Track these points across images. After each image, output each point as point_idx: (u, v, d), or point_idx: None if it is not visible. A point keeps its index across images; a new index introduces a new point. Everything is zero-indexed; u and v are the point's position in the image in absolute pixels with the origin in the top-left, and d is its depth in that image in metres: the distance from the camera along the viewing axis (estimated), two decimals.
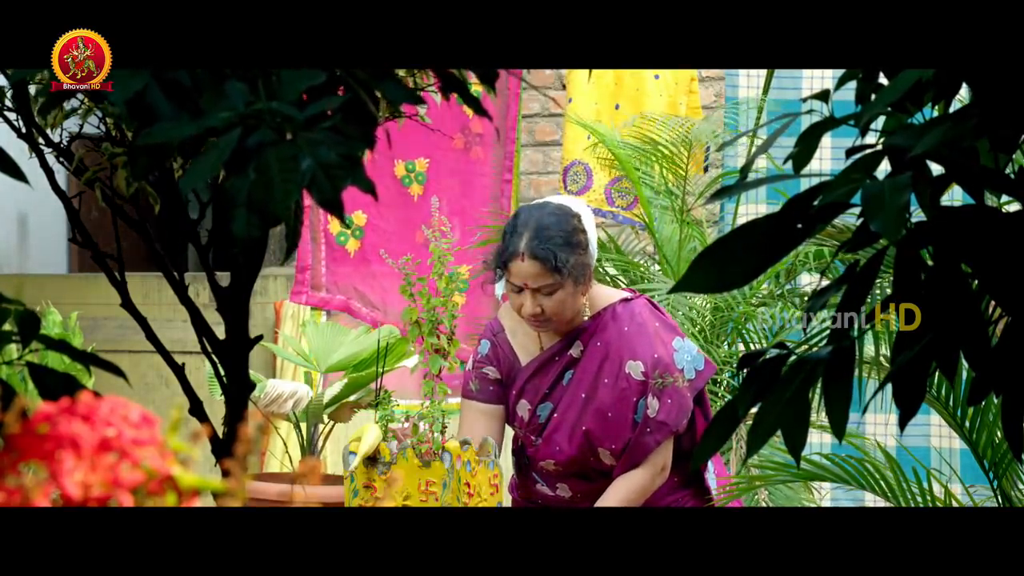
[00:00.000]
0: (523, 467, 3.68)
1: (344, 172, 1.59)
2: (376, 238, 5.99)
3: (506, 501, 4.40)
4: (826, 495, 5.22)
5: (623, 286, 4.76)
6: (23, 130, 2.52)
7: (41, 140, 2.54)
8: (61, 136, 2.59)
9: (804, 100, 1.97)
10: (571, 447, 3.56)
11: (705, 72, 6.63)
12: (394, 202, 5.94)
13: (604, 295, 3.62)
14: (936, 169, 1.82)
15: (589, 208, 3.60)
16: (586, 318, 3.55)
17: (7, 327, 1.87)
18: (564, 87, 6.31)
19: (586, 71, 5.79)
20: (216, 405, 3.59)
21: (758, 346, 4.73)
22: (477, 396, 3.61)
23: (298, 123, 1.60)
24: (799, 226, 1.78)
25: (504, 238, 3.50)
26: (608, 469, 3.56)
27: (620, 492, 3.52)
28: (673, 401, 3.50)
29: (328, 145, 1.60)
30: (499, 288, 3.57)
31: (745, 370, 1.90)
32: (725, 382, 4.74)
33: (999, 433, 3.63)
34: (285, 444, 5.29)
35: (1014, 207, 2.90)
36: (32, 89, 2.39)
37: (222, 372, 2.47)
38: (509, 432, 3.77)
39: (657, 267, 5.15)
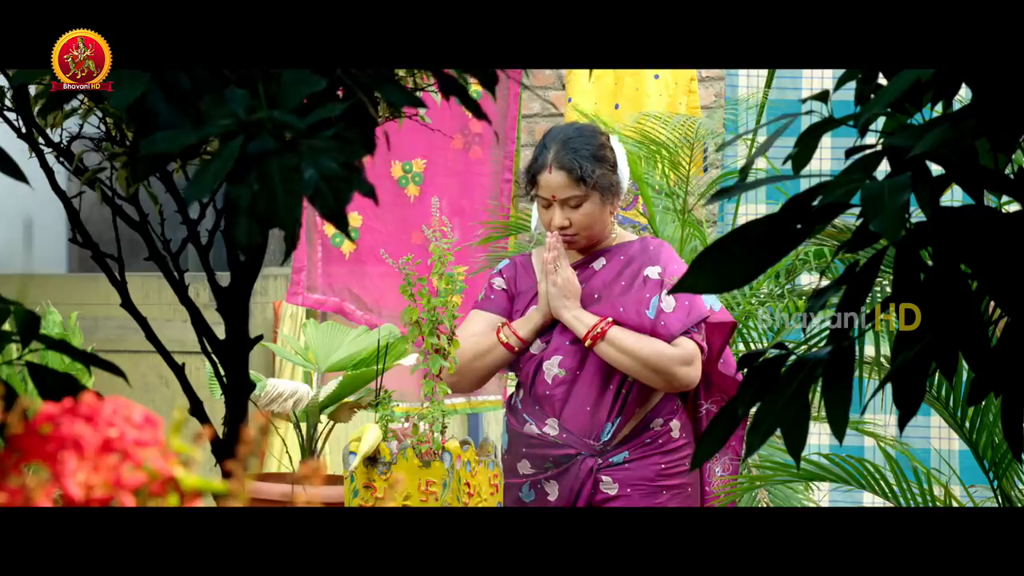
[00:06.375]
0: (515, 409, 3.72)
1: (347, 184, 1.59)
2: (372, 239, 5.98)
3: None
4: (825, 496, 5.22)
5: None
6: (23, 130, 2.51)
7: (41, 140, 2.53)
8: (61, 136, 2.59)
9: (804, 100, 1.97)
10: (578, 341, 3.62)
11: (705, 72, 6.62)
12: (390, 203, 5.92)
13: (631, 234, 3.79)
14: (936, 169, 1.82)
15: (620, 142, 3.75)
16: (614, 243, 3.69)
17: (7, 327, 1.87)
18: (564, 87, 6.31)
19: (586, 71, 5.80)
20: (216, 405, 3.59)
21: (758, 346, 4.73)
22: (480, 304, 3.78)
23: (300, 131, 1.60)
24: (799, 226, 1.78)
25: (534, 155, 3.67)
26: (614, 388, 3.59)
27: (643, 336, 3.59)
28: (691, 303, 3.62)
29: (330, 154, 1.59)
30: (534, 219, 3.70)
31: (745, 370, 1.90)
32: None
33: (999, 433, 3.63)
34: (284, 444, 5.29)
35: (1014, 207, 2.90)
36: (32, 89, 2.39)
37: (222, 372, 2.47)
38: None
39: None
